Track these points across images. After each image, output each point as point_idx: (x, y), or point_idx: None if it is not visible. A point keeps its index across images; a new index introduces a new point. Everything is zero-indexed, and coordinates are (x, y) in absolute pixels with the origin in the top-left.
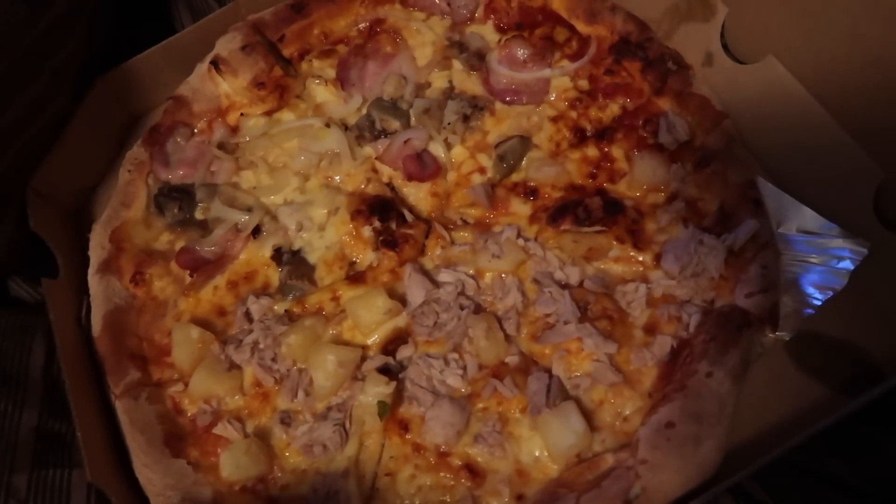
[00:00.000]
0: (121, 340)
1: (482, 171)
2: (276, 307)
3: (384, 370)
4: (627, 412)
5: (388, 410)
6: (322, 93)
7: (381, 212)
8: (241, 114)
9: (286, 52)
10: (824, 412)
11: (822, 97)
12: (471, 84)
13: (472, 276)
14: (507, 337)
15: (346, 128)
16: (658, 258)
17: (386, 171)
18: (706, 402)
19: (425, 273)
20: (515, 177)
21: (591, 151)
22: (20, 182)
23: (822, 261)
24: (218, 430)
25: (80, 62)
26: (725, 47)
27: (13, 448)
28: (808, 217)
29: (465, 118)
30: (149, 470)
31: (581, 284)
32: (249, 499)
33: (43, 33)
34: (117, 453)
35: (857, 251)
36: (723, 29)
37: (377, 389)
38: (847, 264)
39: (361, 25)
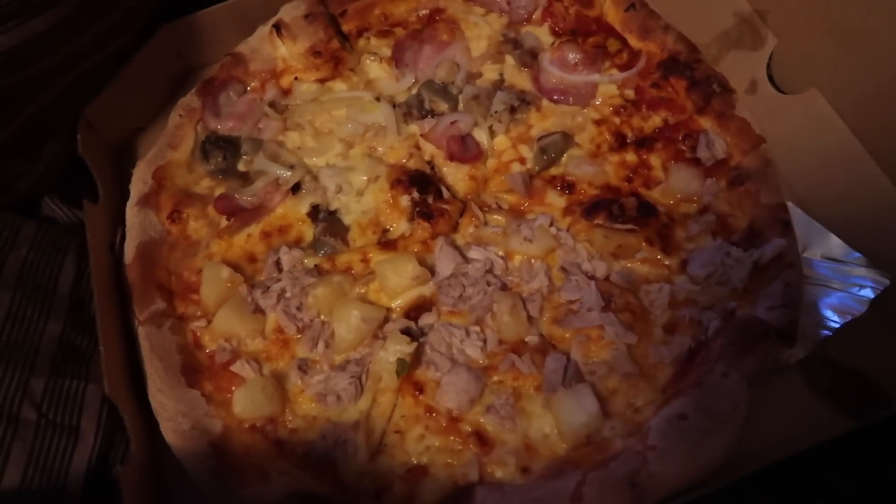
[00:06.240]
0: (151, 270)
1: (522, 161)
2: (306, 261)
3: (405, 332)
4: (640, 403)
5: (407, 368)
6: (375, 69)
7: (420, 185)
8: (296, 78)
9: (345, 28)
10: (831, 433)
11: (861, 133)
12: (521, 79)
13: (502, 257)
14: (530, 318)
15: (394, 104)
16: (684, 265)
17: (428, 149)
18: (720, 399)
19: (456, 247)
20: (554, 170)
21: (630, 157)
22: (74, 108)
23: (843, 287)
24: (235, 367)
25: (151, 7)
26: (770, 77)
27: (34, 353)
28: (835, 245)
29: (512, 109)
30: (163, 395)
31: (607, 278)
32: (257, 438)
33: None
34: (133, 377)
35: (880, 281)
36: (769, 59)
37: (398, 347)
38: (868, 292)
39: (421, 12)
